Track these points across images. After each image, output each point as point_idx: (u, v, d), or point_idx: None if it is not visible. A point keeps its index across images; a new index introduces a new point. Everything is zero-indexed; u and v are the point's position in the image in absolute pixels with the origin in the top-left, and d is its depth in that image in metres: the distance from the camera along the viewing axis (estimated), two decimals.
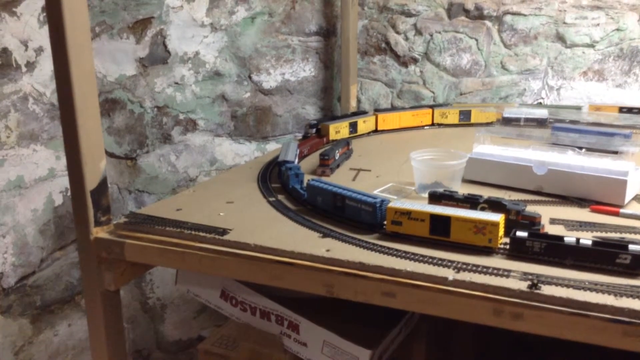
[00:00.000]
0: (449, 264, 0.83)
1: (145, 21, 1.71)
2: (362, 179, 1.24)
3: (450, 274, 0.81)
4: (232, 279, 1.11)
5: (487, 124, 1.63)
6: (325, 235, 0.94)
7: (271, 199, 1.11)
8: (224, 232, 0.95)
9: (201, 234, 0.95)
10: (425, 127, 1.65)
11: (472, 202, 0.95)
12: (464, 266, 0.83)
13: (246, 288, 1.12)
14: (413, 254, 0.86)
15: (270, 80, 1.84)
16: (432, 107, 1.66)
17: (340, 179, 1.22)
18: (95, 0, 1.67)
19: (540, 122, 1.57)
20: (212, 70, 1.79)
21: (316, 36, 1.85)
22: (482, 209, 0.95)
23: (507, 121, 1.60)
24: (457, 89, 1.81)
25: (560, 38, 1.70)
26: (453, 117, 1.65)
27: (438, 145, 1.39)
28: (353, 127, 1.57)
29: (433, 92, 1.84)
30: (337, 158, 1.32)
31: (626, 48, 1.66)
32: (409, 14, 1.80)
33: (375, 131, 1.62)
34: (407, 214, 0.91)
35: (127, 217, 1.02)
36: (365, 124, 1.60)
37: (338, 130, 1.54)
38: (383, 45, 1.85)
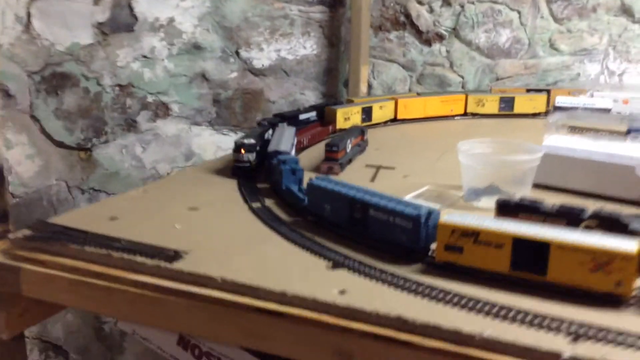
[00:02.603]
0: (557, 325, 0.48)
1: None
2: (384, 180, 0.93)
3: (564, 345, 0.46)
4: None
5: (535, 115, 1.32)
6: (337, 265, 0.60)
7: (255, 205, 0.78)
8: (176, 256, 0.61)
9: (139, 258, 0.60)
10: (456, 118, 1.35)
11: (571, 216, 0.61)
12: (583, 330, 0.48)
13: None
14: (492, 305, 0.51)
15: (262, 57, 1.57)
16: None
17: (354, 179, 0.87)
18: None
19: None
20: (190, 42, 1.51)
21: (320, 6, 1.58)
22: (587, 227, 0.60)
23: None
24: (493, 73, 1.57)
25: (626, 11, 1.48)
26: (492, 105, 1.36)
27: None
28: (367, 114, 1.24)
29: (462, 77, 1.58)
30: (348, 151, 0.98)
31: None
32: None
33: (394, 120, 1.31)
34: (474, 234, 0.56)
35: (30, 229, 0.67)
36: (381, 111, 1.27)
37: (348, 117, 1.20)
38: (402, 18, 1.58)
